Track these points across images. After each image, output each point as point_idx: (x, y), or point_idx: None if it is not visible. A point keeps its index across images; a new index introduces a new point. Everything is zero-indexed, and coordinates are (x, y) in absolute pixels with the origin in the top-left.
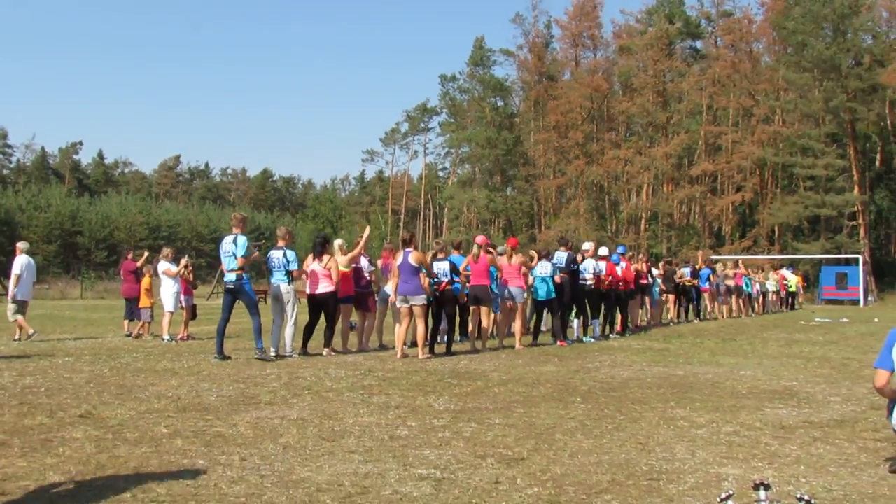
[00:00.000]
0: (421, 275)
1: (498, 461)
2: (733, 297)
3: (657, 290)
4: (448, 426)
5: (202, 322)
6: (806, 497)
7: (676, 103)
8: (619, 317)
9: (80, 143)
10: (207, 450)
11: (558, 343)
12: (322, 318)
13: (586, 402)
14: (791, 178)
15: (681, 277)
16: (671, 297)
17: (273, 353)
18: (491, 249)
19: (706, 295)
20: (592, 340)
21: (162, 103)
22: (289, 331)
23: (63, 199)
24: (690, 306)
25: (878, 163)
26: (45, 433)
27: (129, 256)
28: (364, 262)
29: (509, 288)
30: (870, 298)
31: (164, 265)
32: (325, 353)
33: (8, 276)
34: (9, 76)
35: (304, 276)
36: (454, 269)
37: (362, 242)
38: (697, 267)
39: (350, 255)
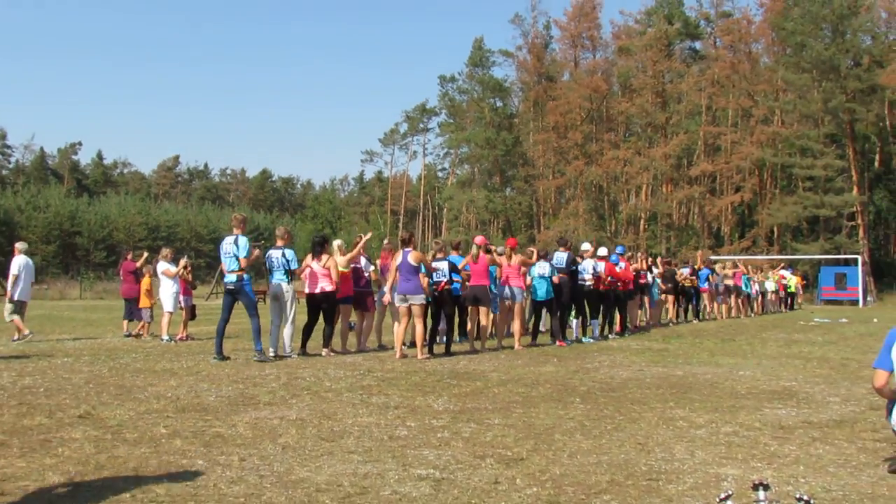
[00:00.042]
0: (420, 275)
1: (497, 461)
2: (732, 298)
3: (657, 290)
4: (447, 426)
5: (201, 322)
6: (805, 497)
7: (675, 104)
8: (617, 317)
9: (79, 144)
10: (206, 450)
11: (557, 343)
12: (321, 319)
13: (585, 402)
14: (790, 178)
15: (683, 278)
16: (670, 297)
17: (272, 354)
18: (492, 248)
19: (705, 295)
20: (591, 341)
21: (161, 104)
22: (288, 331)
23: (62, 200)
24: (689, 307)
25: (877, 163)
26: (44, 433)
27: (129, 257)
28: (363, 262)
29: (508, 288)
30: (869, 299)
31: (163, 265)
32: (324, 353)
33: (6, 277)
34: (8, 76)
35: (302, 276)
36: (453, 268)
37: (361, 244)
38: (696, 267)
39: (349, 255)
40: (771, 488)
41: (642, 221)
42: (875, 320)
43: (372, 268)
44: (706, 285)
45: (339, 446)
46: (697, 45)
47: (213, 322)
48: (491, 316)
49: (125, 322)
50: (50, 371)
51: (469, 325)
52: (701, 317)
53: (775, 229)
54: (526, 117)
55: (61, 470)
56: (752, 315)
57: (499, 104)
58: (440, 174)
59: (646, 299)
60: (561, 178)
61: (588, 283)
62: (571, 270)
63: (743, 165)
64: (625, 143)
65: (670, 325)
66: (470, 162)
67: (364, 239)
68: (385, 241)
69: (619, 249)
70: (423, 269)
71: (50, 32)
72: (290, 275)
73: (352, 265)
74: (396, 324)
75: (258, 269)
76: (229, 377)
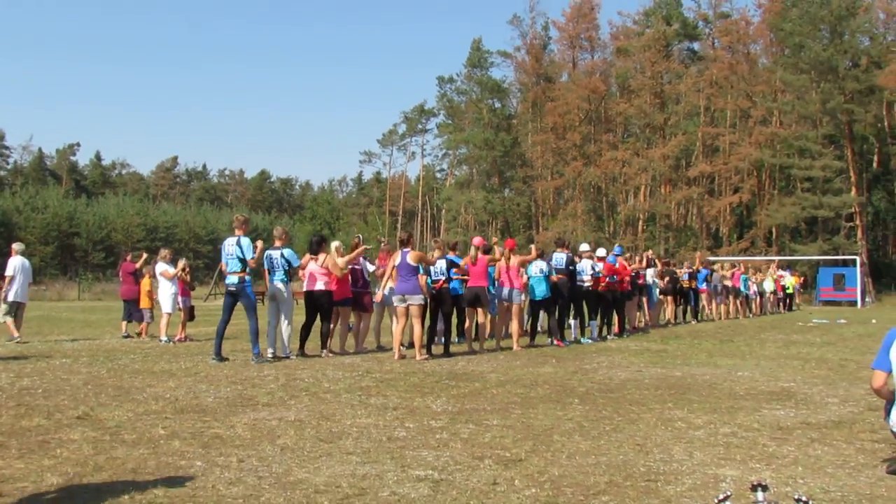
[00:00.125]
0: (419, 275)
1: (496, 462)
2: (731, 298)
3: (655, 291)
4: (446, 427)
5: (200, 323)
6: (804, 498)
7: (674, 105)
8: (616, 318)
9: (78, 145)
10: (205, 451)
11: (555, 342)
12: (318, 319)
13: (584, 403)
14: (788, 179)
15: (684, 281)
16: (669, 298)
17: (270, 354)
18: (494, 246)
19: (704, 296)
20: (590, 341)
21: (159, 105)
22: (286, 332)
23: (60, 201)
24: (688, 308)
25: (875, 164)
26: (42, 435)
27: (128, 258)
28: (362, 261)
29: (505, 289)
30: (867, 299)
31: (161, 266)
32: (322, 354)
33: (3, 278)
34: (6, 77)
35: (301, 274)
36: (451, 265)
37: (360, 250)
38: (695, 268)
39: (347, 257)
40: (769, 489)
41: (641, 222)
42: (873, 321)
43: (372, 268)
44: (704, 286)
45: (337, 447)
46: (696, 45)
47: (211, 323)
48: (489, 317)
49: (124, 323)
50: (48, 372)
51: (468, 324)
52: (699, 318)
53: (774, 230)
54: (524, 118)
55: (60, 471)
56: (751, 316)
57: (497, 105)
58: (438, 175)
59: (644, 300)
60: (559, 179)
61: (586, 283)
62: (570, 271)
63: (741, 166)
64: (623, 143)
65: (669, 325)
66: (468, 163)
67: (363, 248)
68: (383, 243)
69: (616, 250)
70: (421, 270)
71: (48, 33)
72: (290, 275)
73: (349, 266)
74: (394, 324)
75: (257, 270)
76: (228, 378)
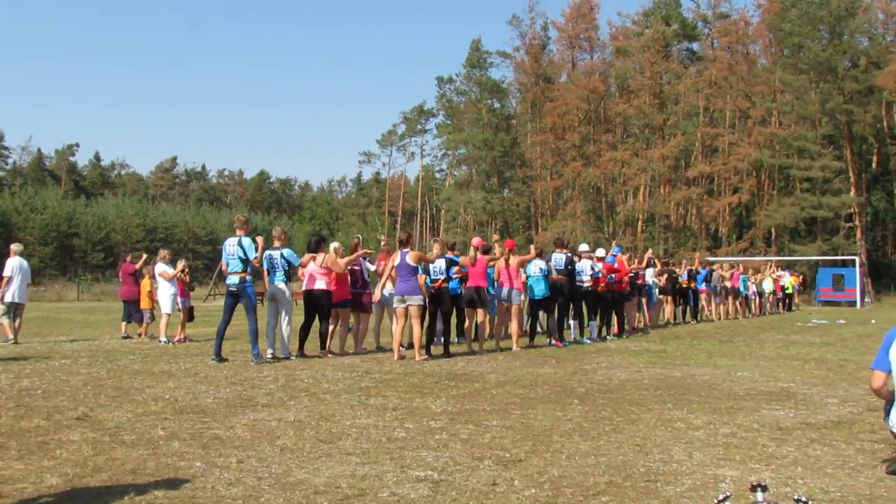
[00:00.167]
0: (419, 275)
1: (495, 463)
2: (730, 299)
3: (655, 291)
4: (445, 428)
5: (199, 324)
6: (803, 498)
7: (673, 105)
8: (615, 318)
9: (77, 145)
10: (204, 452)
11: (553, 342)
12: (317, 320)
13: (583, 403)
14: (787, 179)
15: (684, 281)
16: (668, 298)
17: (270, 354)
18: (494, 245)
19: (703, 296)
20: (589, 342)
21: (159, 105)
22: (285, 332)
23: (59, 201)
24: (687, 308)
25: (874, 164)
26: (41, 435)
27: (128, 259)
28: (362, 261)
29: (505, 289)
30: (866, 300)
31: (160, 267)
32: (322, 354)
33: (1, 279)
34: (5, 77)
35: (300, 274)
36: (451, 263)
37: (359, 253)
38: (694, 268)
39: (346, 259)
40: (769, 489)
41: (640, 223)
42: (873, 321)
43: (372, 267)
44: (704, 286)
45: (337, 448)
46: (695, 46)
47: (210, 324)
48: (488, 317)
49: (123, 324)
50: (48, 373)
51: (467, 324)
52: (699, 318)
53: (773, 230)
54: (524, 118)
55: (59, 472)
56: (750, 316)
57: (496, 105)
58: (438, 175)
59: (644, 301)
60: (559, 180)
61: (586, 284)
62: (569, 271)
63: (741, 167)
64: (622, 144)
65: (668, 326)
66: (468, 163)
67: (363, 250)
68: (383, 243)
69: (615, 250)
70: (420, 270)
71: (48, 33)
72: (290, 276)
73: (349, 267)
74: (394, 323)
75: (257, 270)
76: (227, 379)
